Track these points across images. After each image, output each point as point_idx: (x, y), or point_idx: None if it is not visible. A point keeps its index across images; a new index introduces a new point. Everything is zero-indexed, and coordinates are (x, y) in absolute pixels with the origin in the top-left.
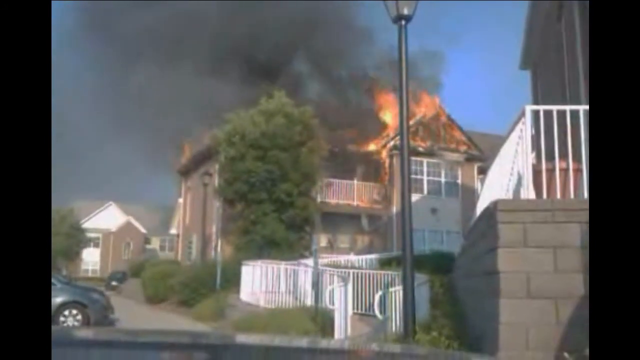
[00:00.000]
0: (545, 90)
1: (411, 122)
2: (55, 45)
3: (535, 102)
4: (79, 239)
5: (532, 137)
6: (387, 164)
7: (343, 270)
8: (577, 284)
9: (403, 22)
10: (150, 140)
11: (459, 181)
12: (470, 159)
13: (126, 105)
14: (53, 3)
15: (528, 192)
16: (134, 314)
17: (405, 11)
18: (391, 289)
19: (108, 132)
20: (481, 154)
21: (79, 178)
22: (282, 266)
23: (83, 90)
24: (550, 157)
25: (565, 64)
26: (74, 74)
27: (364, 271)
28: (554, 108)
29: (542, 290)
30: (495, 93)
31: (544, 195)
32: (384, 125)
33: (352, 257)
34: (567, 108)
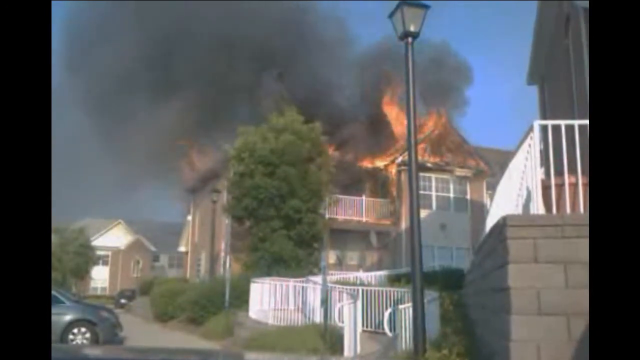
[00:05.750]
0: (553, 105)
1: (419, 137)
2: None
3: (543, 117)
4: (88, 257)
5: (541, 152)
6: (395, 180)
7: (352, 287)
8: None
9: (410, 39)
10: (158, 158)
11: (468, 197)
12: (478, 175)
13: (132, 124)
14: None
15: (537, 208)
16: (142, 332)
17: (412, 28)
18: (401, 306)
19: (117, 151)
20: (490, 169)
21: (88, 196)
22: (291, 283)
23: (90, 110)
24: (559, 172)
25: (573, 79)
26: (77, 93)
27: (373, 288)
28: (562, 123)
29: (553, 306)
30: (502, 108)
31: (554, 211)
32: (394, 140)
33: (361, 274)
34: (576, 122)
